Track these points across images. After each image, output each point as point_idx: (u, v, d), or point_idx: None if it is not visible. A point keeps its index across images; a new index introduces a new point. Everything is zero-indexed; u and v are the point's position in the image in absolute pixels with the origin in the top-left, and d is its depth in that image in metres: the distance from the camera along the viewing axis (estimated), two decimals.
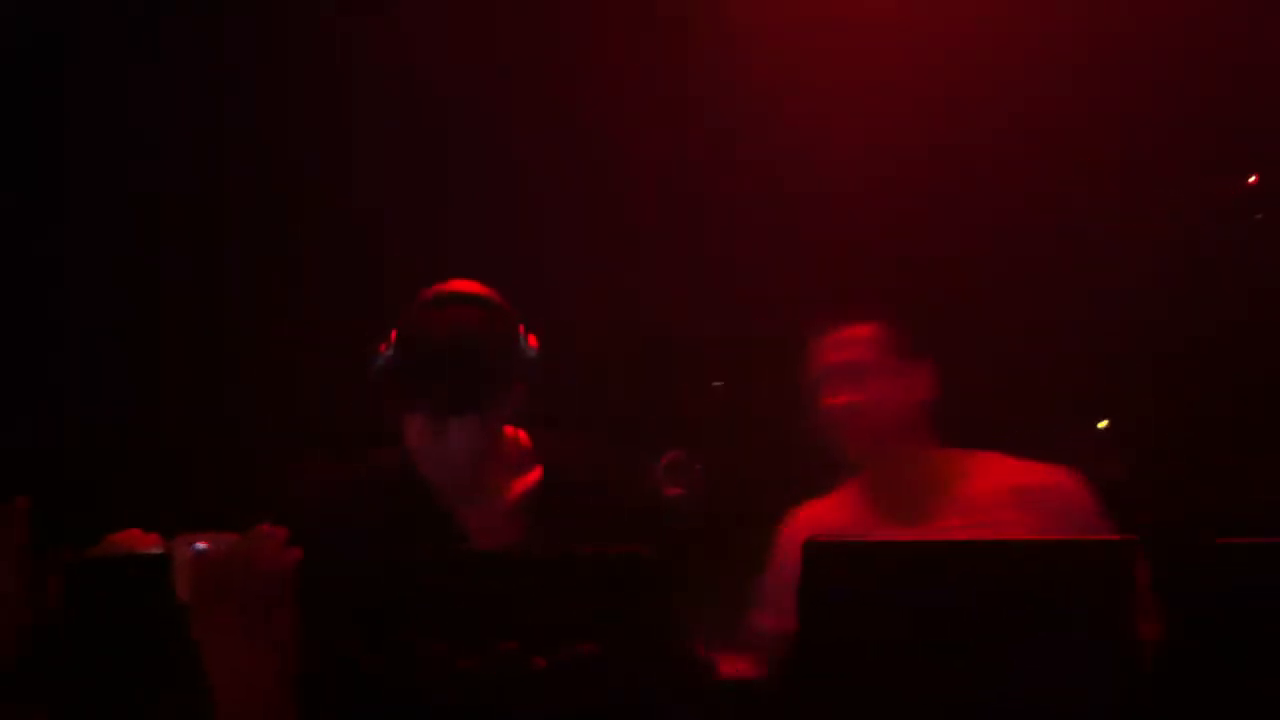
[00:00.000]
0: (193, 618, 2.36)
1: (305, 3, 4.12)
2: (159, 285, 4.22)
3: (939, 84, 3.85)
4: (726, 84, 3.96)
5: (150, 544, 2.49)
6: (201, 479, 3.77)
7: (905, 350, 3.19)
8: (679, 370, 4.18)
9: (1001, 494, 3.10)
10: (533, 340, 2.88)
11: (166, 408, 4.05)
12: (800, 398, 3.23)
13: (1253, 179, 3.97)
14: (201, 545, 2.41)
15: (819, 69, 3.91)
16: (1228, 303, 3.80)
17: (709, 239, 4.11)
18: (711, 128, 4.01)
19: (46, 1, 4.14)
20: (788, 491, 3.36)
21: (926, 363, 3.19)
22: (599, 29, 4.06)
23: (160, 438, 4.00)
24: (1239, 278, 3.79)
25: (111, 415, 4.05)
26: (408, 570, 2.39)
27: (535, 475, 2.88)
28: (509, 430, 2.91)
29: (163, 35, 4.13)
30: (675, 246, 4.12)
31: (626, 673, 2.25)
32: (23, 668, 2.41)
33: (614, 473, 2.87)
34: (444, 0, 4.07)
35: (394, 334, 2.86)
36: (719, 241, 4.11)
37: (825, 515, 3.24)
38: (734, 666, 2.82)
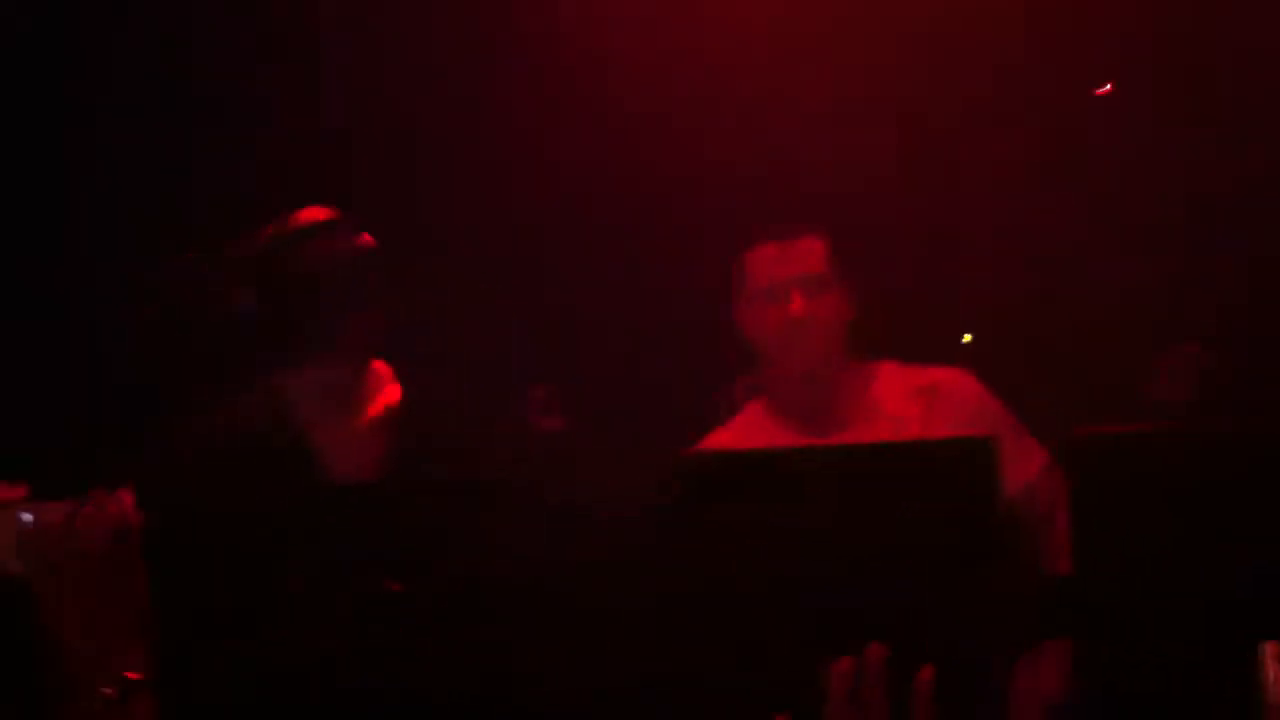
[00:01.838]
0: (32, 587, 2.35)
1: None
2: None
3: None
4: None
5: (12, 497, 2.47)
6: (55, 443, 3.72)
7: (848, 264, 3.21)
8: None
9: (907, 399, 3.14)
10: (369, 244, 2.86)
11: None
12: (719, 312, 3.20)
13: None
14: (27, 516, 2.39)
15: None
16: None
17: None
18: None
19: None
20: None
21: (858, 278, 3.22)
22: None
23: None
24: None
25: None
26: (269, 511, 2.38)
27: (393, 395, 2.88)
28: (382, 374, 2.93)
29: None
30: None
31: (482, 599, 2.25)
32: None
33: (471, 399, 2.85)
34: None
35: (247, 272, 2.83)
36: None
37: (735, 438, 3.24)
38: None
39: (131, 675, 2.40)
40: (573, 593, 2.59)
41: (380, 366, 2.93)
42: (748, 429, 3.24)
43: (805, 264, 3.16)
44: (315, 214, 2.87)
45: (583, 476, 3.55)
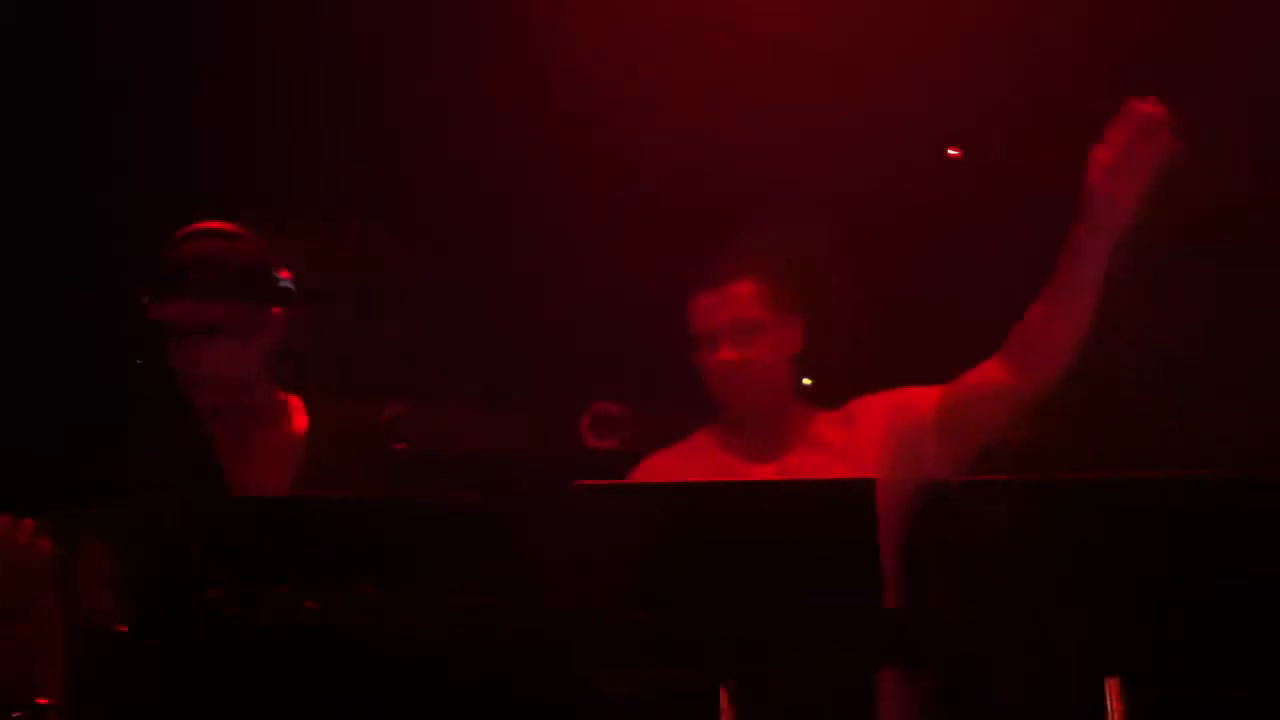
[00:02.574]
0: None
1: None
2: None
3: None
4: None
5: None
6: None
7: (788, 305, 3.29)
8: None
9: (830, 426, 3.30)
10: (285, 274, 3.03)
11: None
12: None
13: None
14: None
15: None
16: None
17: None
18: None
19: None
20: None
21: (801, 319, 3.30)
22: None
23: None
24: None
25: None
26: (182, 520, 2.46)
27: (299, 425, 3.05)
28: (278, 391, 3.08)
29: None
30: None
31: (404, 612, 2.35)
32: None
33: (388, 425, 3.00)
34: None
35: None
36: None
37: (679, 460, 3.37)
38: None
39: (42, 700, 2.46)
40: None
41: (289, 398, 3.09)
42: (689, 453, 3.37)
43: (734, 309, 3.24)
44: (212, 224, 3.03)
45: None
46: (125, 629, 2.46)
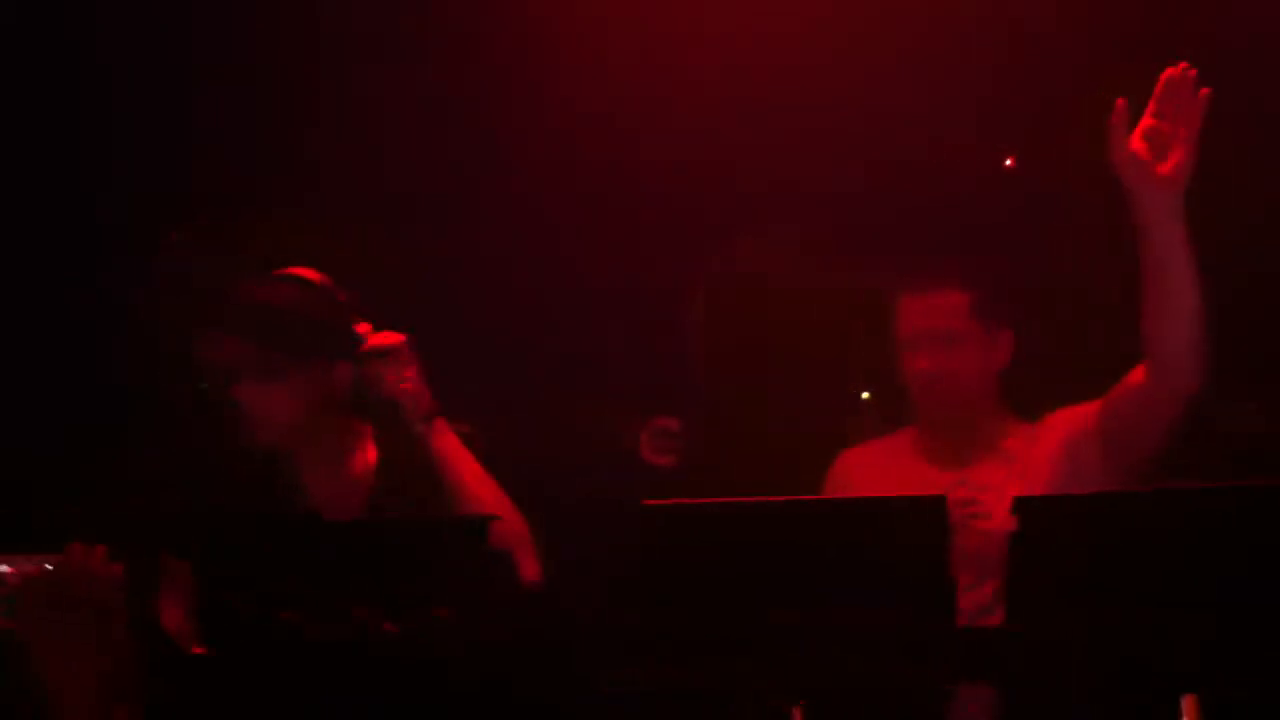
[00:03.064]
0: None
1: None
2: None
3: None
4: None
5: None
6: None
7: (997, 319, 3.28)
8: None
9: (1017, 436, 3.29)
10: (363, 327, 3.06)
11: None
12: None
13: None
14: (4, 568, 2.49)
15: None
16: None
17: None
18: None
19: None
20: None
21: (1010, 333, 3.30)
22: None
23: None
24: None
25: None
26: (257, 541, 2.49)
27: (372, 457, 3.11)
28: (356, 422, 3.13)
29: None
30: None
31: (478, 636, 2.36)
32: None
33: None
34: None
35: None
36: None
37: (870, 457, 3.41)
38: None
39: None
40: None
41: (361, 426, 3.14)
42: (884, 451, 3.40)
43: (940, 319, 3.24)
44: (303, 273, 3.09)
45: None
46: (204, 652, 2.49)
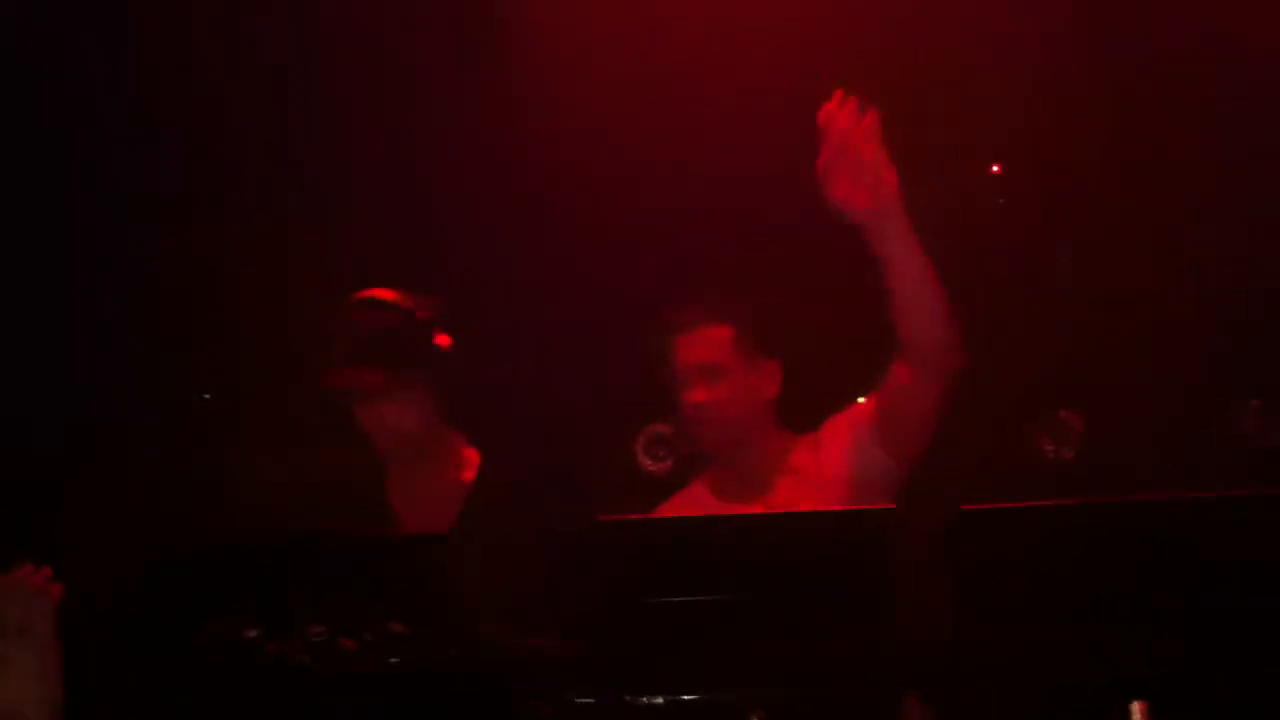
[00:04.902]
0: None
1: None
2: None
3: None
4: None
5: None
6: None
7: (759, 350, 3.36)
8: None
9: (803, 452, 3.36)
10: (443, 339, 3.30)
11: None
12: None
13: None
14: None
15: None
16: None
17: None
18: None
19: None
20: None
21: (776, 361, 3.37)
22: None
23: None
24: None
25: None
26: (217, 561, 2.51)
27: (468, 475, 3.32)
28: (459, 442, 3.36)
29: None
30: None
31: (434, 651, 2.39)
32: None
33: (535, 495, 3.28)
34: None
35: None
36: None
37: (676, 510, 3.44)
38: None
39: None
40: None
41: (457, 437, 3.36)
42: (687, 503, 3.42)
43: (704, 353, 3.33)
44: (381, 292, 3.31)
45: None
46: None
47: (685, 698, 2.45)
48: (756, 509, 3.29)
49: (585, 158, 4.06)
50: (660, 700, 2.46)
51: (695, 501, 3.43)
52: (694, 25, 4.03)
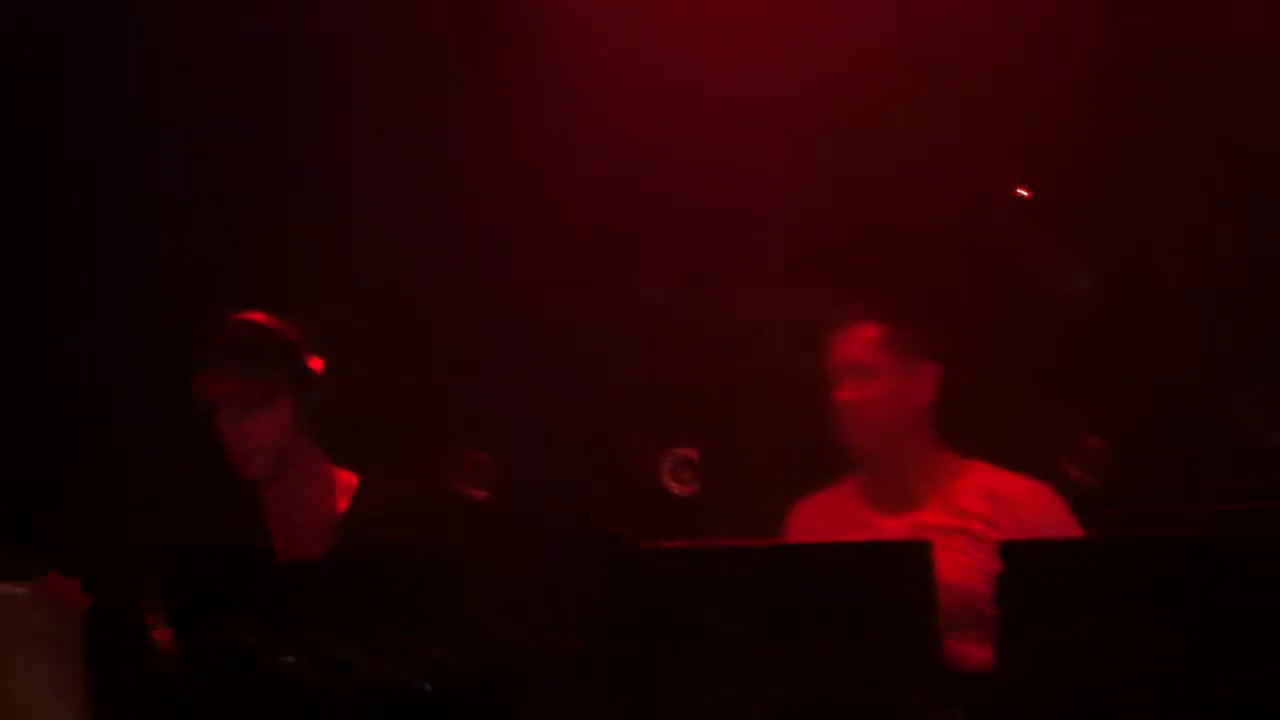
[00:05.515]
0: None
1: None
2: None
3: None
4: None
5: None
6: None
7: (914, 352, 3.34)
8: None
9: (981, 498, 3.31)
10: (316, 363, 3.31)
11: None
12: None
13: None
14: None
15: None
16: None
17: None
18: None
19: None
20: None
21: (933, 366, 3.35)
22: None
23: None
24: None
25: None
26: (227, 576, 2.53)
27: (343, 505, 3.30)
28: (334, 468, 3.34)
29: None
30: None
31: (449, 666, 2.39)
32: None
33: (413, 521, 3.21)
34: None
35: None
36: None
37: (823, 506, 3.46)
38: None
39: None
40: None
41: (346, 474, 3.34)
42: (831, 500, 3.43)
43: (853, 352, 3.33)
44: (255, 314, 3.32)
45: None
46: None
47: None
48: (902, 522, 3.28)
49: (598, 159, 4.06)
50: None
51: (841, 502, 3.42)
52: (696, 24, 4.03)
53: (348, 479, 3.33)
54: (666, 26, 4.05)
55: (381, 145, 4.21)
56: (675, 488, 3.91)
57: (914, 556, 2.35)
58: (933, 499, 3.32)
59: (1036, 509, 3.29)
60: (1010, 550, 2.40)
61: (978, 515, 3.28)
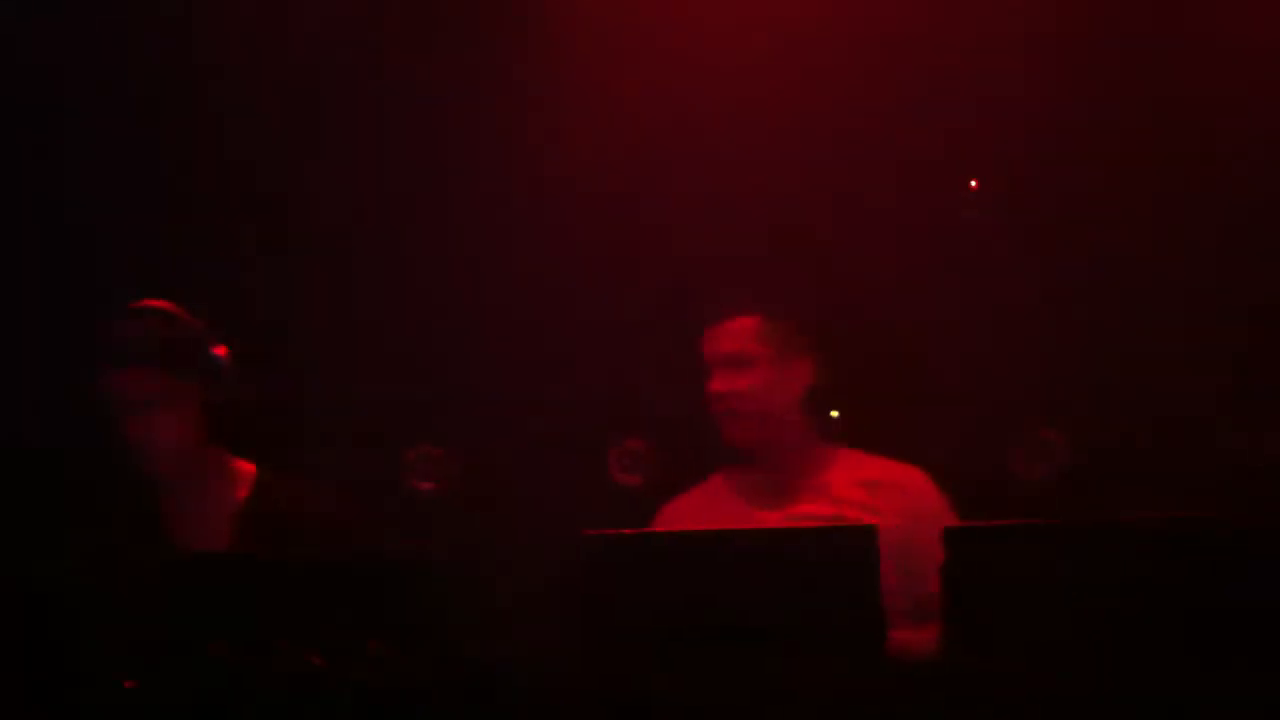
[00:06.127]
0: None
1: None
2: None
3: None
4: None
5: None
6: None
7: (787, 344, 3.32)
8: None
9: (855, 486, 3.30)
10: (220, 350, 3.23)
11: None
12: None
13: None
14: None
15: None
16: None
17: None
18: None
19: None
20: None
21: (807, 357, 3.33)
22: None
23: None
24: None
25: None
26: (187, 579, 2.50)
27: (241, 493, 3.25)
28: (230, 458, 3.28)
29: None
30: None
31: (407, 670, 2.37)
32: None
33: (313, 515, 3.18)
34: None
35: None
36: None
37: (694, 504, 3.42)
38: None
39: None
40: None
41: (246, 465, 3.29)
42: (704, 497, 3.42)
43: (726, 344, 3.30)
44: (156, 302, 3.22)
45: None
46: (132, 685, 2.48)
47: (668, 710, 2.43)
48: (779, 515, 3.26)
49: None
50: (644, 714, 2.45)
51: (713, 499, 3.39)
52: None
53: (246, 468, 3.28)
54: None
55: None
56: (622, 478, 3.90)
57: (857, 540, 2.34)
58: (807, 489, 3.31)
59: (913, 492, 3.30)
60: (952, 535, 2.39)
61: (854, 502, 3.28)
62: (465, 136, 4.12)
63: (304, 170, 4.13)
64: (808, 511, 3.26)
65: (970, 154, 3.98)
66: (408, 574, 2.46)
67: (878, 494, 3.28)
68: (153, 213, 4.13)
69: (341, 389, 4.07)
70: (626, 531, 2.60)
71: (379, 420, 4.03)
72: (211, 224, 4.12)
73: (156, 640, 2.42)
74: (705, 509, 3.37)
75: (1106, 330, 3.87)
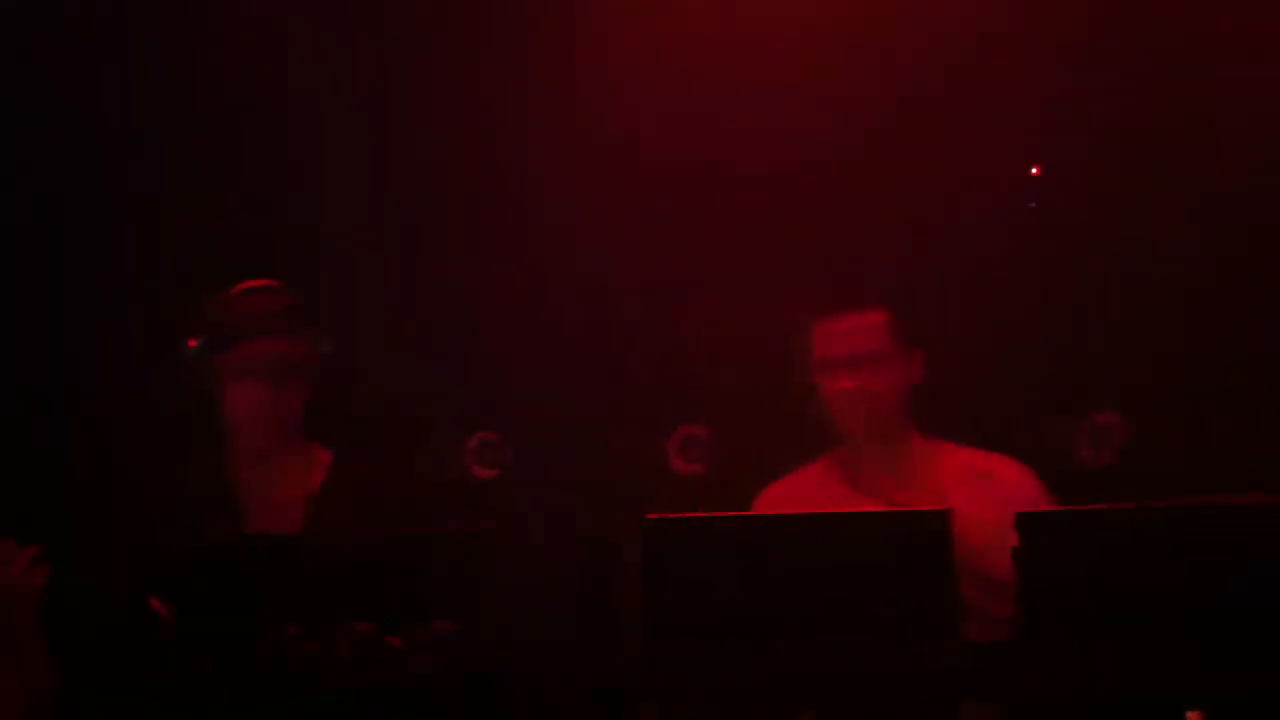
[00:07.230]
0: None
1: None
2: None
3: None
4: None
5: None
6: None
7: (902, 337, 3.33)
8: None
9: (958, 477, 3.30)
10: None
11: None
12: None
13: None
14: None
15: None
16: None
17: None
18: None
19: None
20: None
21: (920, 350, 3.34)
22: None
23: None
24: None
25: None
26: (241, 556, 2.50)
27: (318, 477, 3.25)
28: (316, 448, 3.29)
29: None
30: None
31: (481, 649, 2.37)
32: None
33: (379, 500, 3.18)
34: None
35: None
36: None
37: (795, 489, 3.42)
38: None
39: None
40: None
41: (317, 449, 3.29)
42: (805, 482, 3.41)
43: (860, 341, 3.29)
44: (265, 283, 3.25)
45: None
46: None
47: (739, 694, 2.43)
48: (883, 502, 3.26)
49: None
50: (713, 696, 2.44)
51: (816, 484, 3.39)
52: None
53: (324, 455, 3.28)
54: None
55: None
56: (683, 466, 3.88)
57: (934, 525, 2.33)
58: (913, 479, 3.31)
59: (1016, 485, 3.29)
60: (1023, 521, 2.38)
61: (962, 497, 3.24)
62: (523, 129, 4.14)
63: (368, 165, 4.15)
64: (912, 501, 3.26)
65: (1027, 146, 3.99)
66: (478, 555, 2.46)
67: (985, 489, 3.26)
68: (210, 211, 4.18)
69: (394, 378, 4.09)
70: (690, 515, 2.60)
71: (430, 409, 4.06)
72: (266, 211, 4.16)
73: (235, 623, 2.42)
74: (808, 494, 3.37)
75: (1170, 317, 3.86)
